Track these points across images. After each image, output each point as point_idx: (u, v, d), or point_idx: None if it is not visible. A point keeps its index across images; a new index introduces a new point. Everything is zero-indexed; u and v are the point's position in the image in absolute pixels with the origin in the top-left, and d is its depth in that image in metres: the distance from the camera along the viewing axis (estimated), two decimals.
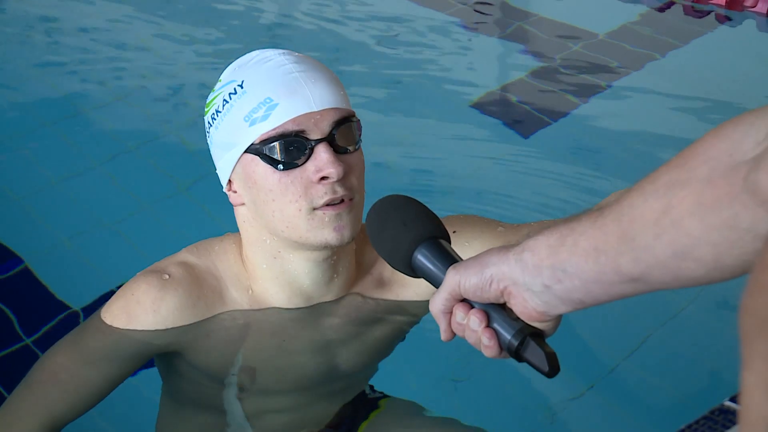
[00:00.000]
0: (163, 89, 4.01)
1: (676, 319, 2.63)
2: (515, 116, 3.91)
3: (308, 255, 1.51)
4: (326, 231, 1.45)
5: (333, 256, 1.53)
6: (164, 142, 3.57)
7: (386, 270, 1.64)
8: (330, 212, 1.44)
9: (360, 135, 1.50)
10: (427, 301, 1.65)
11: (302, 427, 1.75)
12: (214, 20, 4.73)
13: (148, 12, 4.75)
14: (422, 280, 1.60)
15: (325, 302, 1.60)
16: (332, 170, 1.42)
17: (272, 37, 4.63)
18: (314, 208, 1.44)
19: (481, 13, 4.96)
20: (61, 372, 1.56)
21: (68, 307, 2.61)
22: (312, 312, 1.60)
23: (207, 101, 1.54)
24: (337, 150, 1.45)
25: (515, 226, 1.62)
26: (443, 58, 4.40)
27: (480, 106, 3.93)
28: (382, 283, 1.64)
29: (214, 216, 2.54)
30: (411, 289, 1.64)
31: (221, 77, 1.53)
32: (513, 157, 3.53)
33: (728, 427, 1.60)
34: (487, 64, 4.49)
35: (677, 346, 2.56)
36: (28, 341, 2.49)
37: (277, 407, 1.71)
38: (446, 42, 4.58)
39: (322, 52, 4.26)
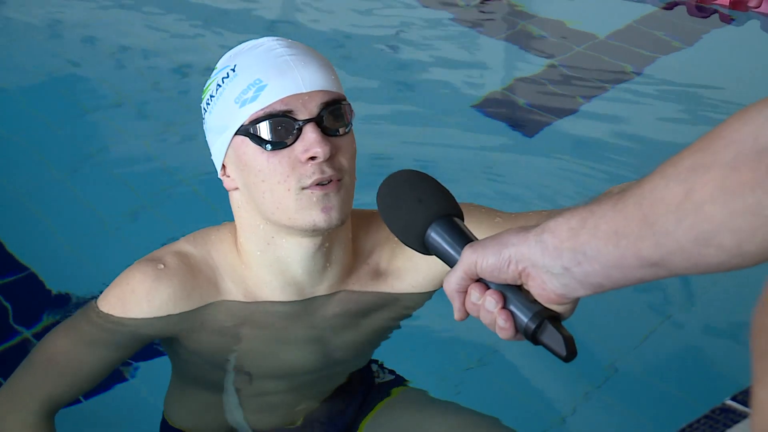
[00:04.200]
0: (168, 84, 4.01)
1: (678, 318, 2.63)
2: (518, 117, 3.91)
3: (300, 241, 1.52)
4: (314, 212, 1.45)
5: (325, 243, 1.54)
6: (166, 138, 3.57)
7: (383, 260, 1.64)
8: (318, 192, 1.45)
9: (351, 119, 1.51)
10: (423, 293, 1.67)
11: (297, 406, 1.76)
12: (220, 19, 4.74)
13: (154, 9, 4.76)
14: (419, 272, 1.62)
15: (319, 295, 1.60)
16: (319, 150, 1.43)
17: (274, 34, 4.63)
18: (303, 188, 1.45)
19: (484, 13, 4.96)
20: (58, 356, 1.59)
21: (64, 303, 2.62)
22: (306, 304, 1.60)
23: (203, 89, 1.56)
24: (326, 131, 1.46)
25: (513, 216, 1.62)
26: (446, 58, 4.40)
27: (483, 107, 3.93)
28: (377, 275, 1.64)
29: (215, 210, 2.55)
30: (407, 281, 1.64)
31: (217, 65, 1.56)
32: (515, 156, 3.53)
33: (729, 426, 1.60)
34: (491, 64, 4.49)
35: (678, 345, 2.56)
36: (27, 333, 2.50)
37: (271, 390, 1.73)
38: (450, 42, 4.58)
39: (325, 53, 4.26)
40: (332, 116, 1.47)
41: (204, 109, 1.55)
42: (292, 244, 1.52)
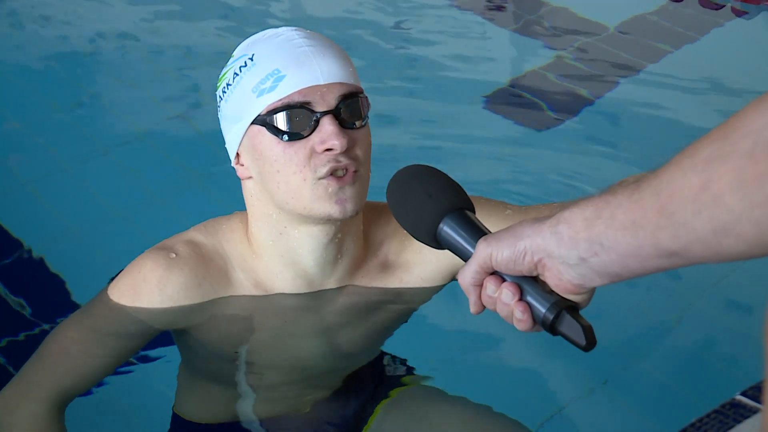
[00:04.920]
0: (176, 77, 4.01)
1: (687, 313, 2.62)
2: (528, 108, 3.90)
3: (313, 231, 1.51)
4: (329, 203, 1.45)
5: (338, 233, 1.53)
6: (176, 130, 3.57)
7: (391, 253, 1.64)
8: (334, 184, 1.45)
9: (367, 112, 1.51)
10: (431, 287, 1.67)
11: (304, 398, 1.76)
12: (227, 9, 4.73)
13: (161, 2, 4.75)
14: (428, 264, 1.62)
15: (328, 289, 1.60)
16: (336, 142, 1.43)
17: (281, 25, 4.62)
18: (319, 178, 1.45)
19: (493, 4, 4.94)
20: (69, 346, 1.58)
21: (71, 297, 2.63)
22: (315, 297, 1.60)
23: (219, 76, 1.55)
24: (343, 124, 1.46)
25: (523, 209, 1.61)
26: (455, 49, 4.39)
27: (492, 98, 3.92)
28: (386, 267, 1.64)
29: (225, 203, 2.55)
30: (415, 274, 1.64)
31: (234, 53, 1.55)
32: (525, 149, 3.52)
33: (739, 421, 1.60)
34: (500, 55, 4.47)
35: (688, 340, 2.56)
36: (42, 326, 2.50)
37: (279, 382, 1.73)
38: (458, 34, 4.57)
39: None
40: (350, 109, 1.47)
41: (219, 96, 1.55)
42: (305, 234, 1.52)
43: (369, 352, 1.81)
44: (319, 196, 1.45)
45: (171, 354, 1.85)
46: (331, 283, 1.60)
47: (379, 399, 1.83)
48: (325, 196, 1.45)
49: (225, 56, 1.59)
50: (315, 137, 1.44)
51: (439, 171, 1.15)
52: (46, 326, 2.48)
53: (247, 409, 1.75)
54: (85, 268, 2.76)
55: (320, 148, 1.44)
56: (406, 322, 1.78)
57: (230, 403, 1.75)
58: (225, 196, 2.81)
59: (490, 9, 4.89)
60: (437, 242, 1.11)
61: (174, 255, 1.56)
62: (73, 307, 2.54)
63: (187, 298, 1.57)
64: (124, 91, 3.86)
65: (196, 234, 1.61)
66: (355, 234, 1.58)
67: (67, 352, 1.58)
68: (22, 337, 2.46)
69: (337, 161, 1.44)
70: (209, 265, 1.58)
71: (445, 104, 3.85)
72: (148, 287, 1.56)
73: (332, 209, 1.46)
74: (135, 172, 3.27)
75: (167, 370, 1.90)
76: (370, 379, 1.83)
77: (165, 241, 1.61)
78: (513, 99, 3.99)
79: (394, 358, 1.90)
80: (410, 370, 1.90)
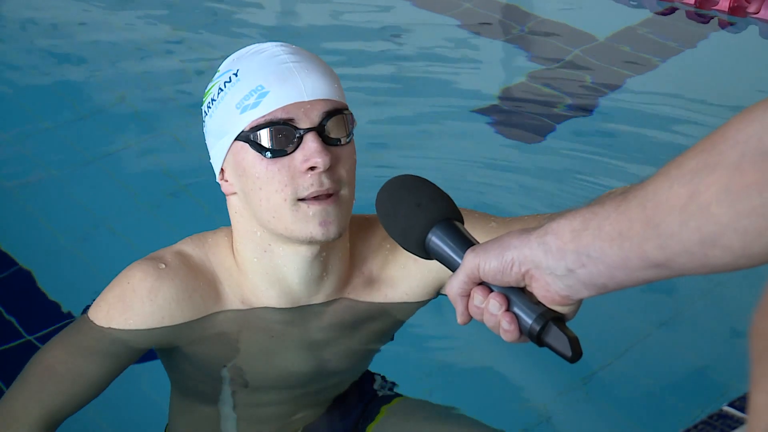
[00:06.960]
0: (163, 88, 4.01)
1: (675, 323, 2.63)
2: (517, 120, 3.90)
3: (297, 249, 1.51)
4: (311, 225, 1.44)
5: (322, 252, 1.53)
6: (164, 140, 3.56)
7: (375, 268, 1.63)
8: (315, 207, 1.44)
9: (352, 129, 1.50)
10: (416, 302, 1.66)
11: (292, 417, 1.74)
12: (215, 20, 4.73)
13: (150, 10, 4.75)
14: (412, 280, 1.62)
15: (315, 304, 1.59)
16: (319, 159, 1.42)
17: (272, 38, 4.62)
18: (299, 199, 1.44)
19: (484, 16, 4.96)
20: (57, 365, 1.55)
21: (61, 309, 2.61)
22: (301, 313, 1.59)
23: (204, 91, 1.55)
24: (327, 141, 1.45)
25: (508, 221, 1.61)
26: (445, 61, 4.39)
27: (482, 110, 3.93)
28: (371, 282, 1.63)
29: (213, 215, 2.54)
30: (400, 289, 1.63)
31: (219, 68, 1.55)
32: (514, 162, 3.53)
33: None
34: (490, 67, 4.48)
35: (676, 350, 2.56)
36: (30, 338, 2.49)
37: (268, 401, 1.71)
38: (448, 45, 4.58)
39: (322, 55, 4.25)
40: (334, 125, 1.46)
41: (204, 111, 1.54)
42: (289, 253, 1.51)
43: (355, 369, 1.80)
44: (300, 218, 1.44)
45: (160, 381, 1.82)
46: (316, 301, 1.59)
47: (368, 420, 1.81)
48: (306, 218, 1.44)
49: (213, 65, 1.58)
50: (298, 154, 1.43)
51: (429, 181, 1.16)
52: (31, 338, 2.47)
53: (232, 430, 1.73)
54: (71, 281, 2.74)
55: (303, 166, 1.43)
56: (392, 339, 1.77)
57: (218, 424, 1.73)
58: (213, 210, 2.81)
59: (480, 21, 4.90)
60: (426, 252, 1.11)
61: (163, 266, 1.55)
62: (58, 317, 2.53)
63: (178, 310, 1.55)
64: (112, 100, 3.85)
65: (184, 246, 1.60)
66: (341, 251, 1.58)
67: (53, 372, 1.53)
68: (8, 352, 2.44)
69: (321, 184, 1.43)
70: (199, 276, 1.57)
71: (435, 117, 3.85)
72: (137, 298, 1.53)
73: (315, 231, 1.45)
74: (122, 184, 3.26)
75: (159, 397, 1.87)
76: (358, 400, 1.81)
77: (153, 253, 1.60)
78: (503, 110, 3.99)
79: (384, 379, 1.89)
80: (398, 395, 1.88)
